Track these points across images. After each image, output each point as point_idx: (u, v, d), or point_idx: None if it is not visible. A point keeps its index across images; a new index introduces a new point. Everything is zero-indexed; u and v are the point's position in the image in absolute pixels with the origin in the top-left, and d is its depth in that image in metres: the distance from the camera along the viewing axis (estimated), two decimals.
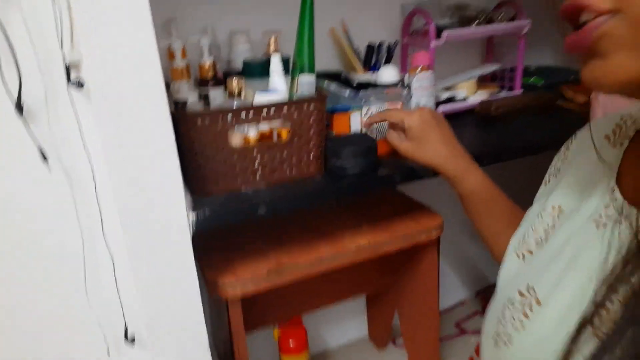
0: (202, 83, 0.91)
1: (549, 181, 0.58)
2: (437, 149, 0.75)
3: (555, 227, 0.49)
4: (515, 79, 1.20)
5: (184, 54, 0.89)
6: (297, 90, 0.82)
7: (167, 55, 0.90)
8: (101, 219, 0.81)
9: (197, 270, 0.80)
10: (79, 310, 0.87)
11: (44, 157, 0.75)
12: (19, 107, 0.72)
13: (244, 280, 0.80)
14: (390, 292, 1.20)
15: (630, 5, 0.33)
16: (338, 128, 0.87)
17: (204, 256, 0.87)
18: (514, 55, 1.19)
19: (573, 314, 0.39)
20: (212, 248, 0.89)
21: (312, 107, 0.78)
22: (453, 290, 1.54)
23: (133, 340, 0.85)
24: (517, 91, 1.20)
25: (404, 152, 0.79)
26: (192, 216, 0.70)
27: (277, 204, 0.74)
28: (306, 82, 0.79)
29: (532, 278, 0.46)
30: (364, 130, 0.88)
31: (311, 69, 0.85)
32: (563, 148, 0.59)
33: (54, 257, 0.83)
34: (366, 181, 0.81)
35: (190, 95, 0.87)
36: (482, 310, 1.47)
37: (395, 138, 0.81)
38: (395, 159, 0.88)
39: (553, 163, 0.60)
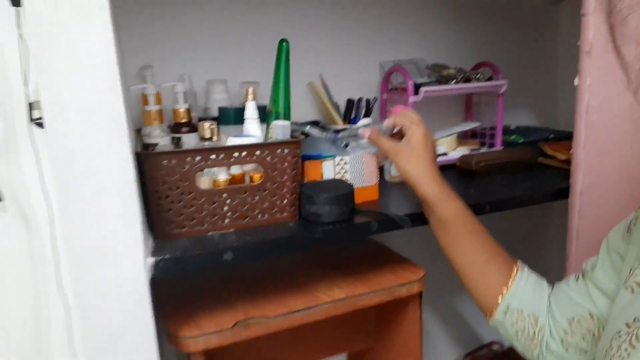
0: (175, 128, 0.89)
1: None
2: (428, 167, 0.74)
3: None
4: (496, 136, 1.21)
5: (157, 100, 0.88)
6: (271, 136, 0.81)
7: (142, 101, 0.89)
8: (55, 265, 0.75)
9: (158, 322, 0.74)
10: None
11: None
12: None
13: (208, 333, 0.73)
14: (372, 352, 1.12)
15: None
16: (310, 175, 0.84)
17: (167, 306, 0.80)
18: (493, 114, 1.21)
19: None
20: (176, 297, 0.83)
21: (286, 150, 0.76)
22: (440, 352, 1.46)
23: None
24: (498, 147, 1.20)
25: (395, 153, 0.76)
26: (151, 262, 0.65)
27: (245, 250, 0.70)
28: (280, 126, 0.78)
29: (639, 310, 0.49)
30: (363, 140, 0.83)
31: (286, 117, 0.84)
32: None
33: (2, 306, 0.77)
34: (342, 229, 0.78)
35: (161, 140, 0.85)
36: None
37: (387, 140, 0.78)
38: (372, 208, 0.86)
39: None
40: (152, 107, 0.87)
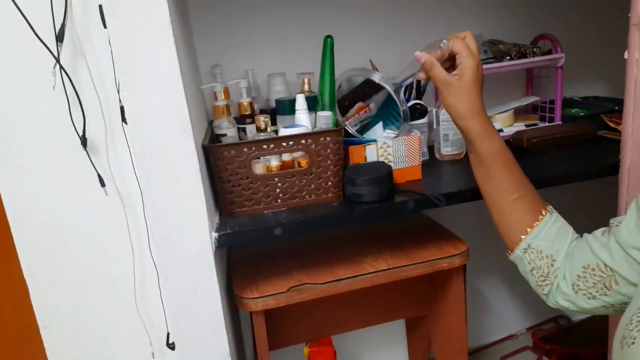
0: (240, 120, 1.03)
1: None
2: (474, 103, 0.73)
3: None
4: (555, 110, 1.20)
5: (225, 95, 1.01)
6: (315, 125, 0.91)
7: (212, 96, 1.03)
8: (148, 236, 0.93)
9: (230, 286, 0.89)
10: (130, 316, 0.99)
11: (102, 183, 0.90)
12: (84, 141, 0.87)
13: (266, 295, 0.87)
14: (425, 321, 1.21)
15: None
16: (355, 158, 0.93)
17: (236, 273, 0.96)
18: (555, 87, 1.19)
19: None
20: (243, 266, 0.99)
21: (328, 138, 0.86)
22: (503, 323, 1.49)
23: (173, 346, 0.96)
24: (557, 123, 1.19)
25: (446, 87, 0.74)
26: (215, 236, 0.79)
27: (292, 225, 0.82)
28: (323, 116, 0.88)
29: None
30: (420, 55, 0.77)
31: (331, 107, 0.94)
32: None
33: (110, 269, 0.97)
34: (380, 208, 0.86)
35: (229, 131, 0.99)
36: (533, 345, 1.41)
37: (440, 67, 0.75)
38: (414, 187, 0.93)
39: None
40: (220, 103, 1.01)
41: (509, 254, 0.77)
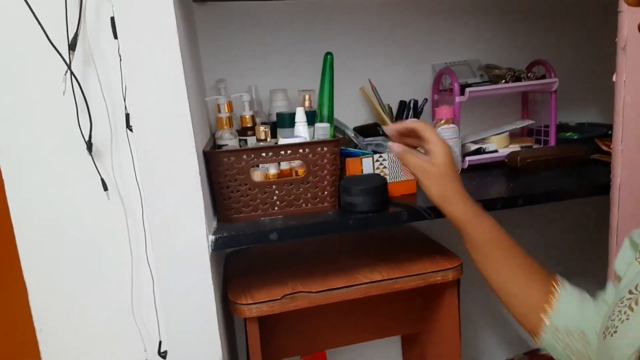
0: (242, 132, 1.06)
1: None
2: (454, 187, 0.72)
3: None
4: (550, 133, 1.23)
5: (228, 108, 1.05)
6: (314, 137, 0.94)
7: (216, 109, 1.07)
8: (145, 241, 0.95)
9: (221, 291, 0.90)
10: (126, 322, 1.00)
11: (105, 187, 0.92)
12: (89, 146, 0.90)
13: (260, 302, 0.88)
14: (420, 339, 1.21)
15: None
16: (351, 170, 0.96)
17: (232, 279, 0.97)
18: (549, 111, 1.22)
19: None
20: (239, 273, 1.00)
21: (325, 149, 0.89)
22: (501, 346, 1.49)
23: (165, 354, 0.96)
24: (551, 145, 1.22)
25: (422, 173, 0.73)
26: (212, 238, 0.81)
27: (287, 231, 0.84)
28: (321, 128, 0.91)
29: None
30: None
31: (330, 120, 0.97)
32: None
33: (108, 274, 0.99)
34: (373, 217, 0.88)
35: (230, 141, 1.02)
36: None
37: (414, 154, 0.76)
38: (408, 200, 0.95)
39: None
40: (223, 115, 1.04)
41: (535, 338, 0.68)
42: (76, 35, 0.87)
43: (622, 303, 0.50)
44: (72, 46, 0.87)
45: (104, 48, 0.90)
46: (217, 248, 0.82)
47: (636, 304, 0.48)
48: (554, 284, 0.67)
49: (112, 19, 0.86)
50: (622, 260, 0.59)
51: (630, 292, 0.50)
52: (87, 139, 0.90)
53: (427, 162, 0.73)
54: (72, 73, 0.86)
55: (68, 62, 0.86)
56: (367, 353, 1.37)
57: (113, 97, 0.91)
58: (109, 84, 0.90)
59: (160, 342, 0.98)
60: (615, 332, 0.49)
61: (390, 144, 0.80)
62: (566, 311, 0.65)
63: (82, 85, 0.88)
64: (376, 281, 0.94)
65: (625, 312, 0.48)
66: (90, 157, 0.91)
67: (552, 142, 1.23)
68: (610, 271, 0.95)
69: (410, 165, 0.76)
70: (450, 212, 0.73)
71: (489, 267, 0.71)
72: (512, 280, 0.69)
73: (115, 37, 0.83)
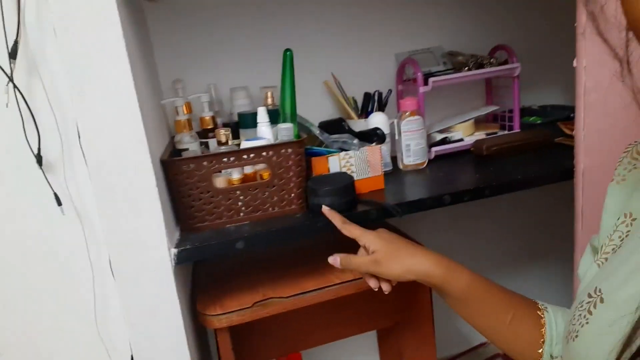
0: (203, 134, 1.02)
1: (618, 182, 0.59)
2: (415, 257, 0.70)
3: (629, 233, 0.53)
4: (514, 119, 1.23)
5: (187, 110, 1.01)
6: (277, 137, 0.91)
7: (174, 111, 1.02)
8: (109, 255, 0.91)
9: (190, 303, 0.88)
10: (91, 340, 0.96)
11: (59, 202, 0.88)
12: (39, 159, 0.85)
13: (230, 312, 0.86)
14: (396, 332, 1.21)
15: None
16: (318, 169, 0.94)
17: (200, 290, 0.94)
18: (512, 96, 1.23)
19: (630, 313, 0.43)
20: (206, 283, 0.97)
21: (289, 150, 0.86)
22: (474, 332, 1.51)
23: None
24: (515, 131, 1.22)
25: (375, 266, 0.72)
26: (174, 252, 0.78)
27: (254, 239, 0.82)
28: (284, 128, 0.88)
29: (601, 281, 0.50)
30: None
31: (292, 119, 0.94)
32: (627, 157, 0.60)
33: (69, 291, 0.95)
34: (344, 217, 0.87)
35: (190, 145, 0.98)
36: (504, 354, 1.42)
37: (353, 257, 0.76)
38: (376, 197, 0.94)
39: (617, 172, 0.59)
40: (182, 117, 1.00)
41: None
42: (16, 42, 0.81)
43: (582, 307, 0.51)
44: (12, 54, 0.81)
45: (48, 55, 0.84)
46: (180, 261, 0.79)
47: (595, 307, 0.48)
48: (539, 313, 0.67)
49: None
50: (584, 264, 0.60)
51: (589, 296, 0.50)
52: (36, 152, 0.84)
53: (370, 254, 0.73)
54: (14, 84, 0.81)
55: (9, 72, 0.81)
56: (344, 348, 1.37)
57: (62, 107, 0.85)
58: (56, 94, 0.85)
59: (132, 357, 0.94)
60: (576, 336, 0.49)
61: (330, 258, 0.79)
62: (557, 337, 0.65)
63: (26, 95, 0.82)
64: (348, 281, 0.93)
65: (585, 317, 0.49)
66: (40, 170, 0.85)
67: (516, 127, 1.23)
68: (576, 254, 0.96)
69: (358, 268, 0.75)
70: (423, 278, 0.69)
71: (474, 316, 0.70)
72: (501, 323, 0.68)
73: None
